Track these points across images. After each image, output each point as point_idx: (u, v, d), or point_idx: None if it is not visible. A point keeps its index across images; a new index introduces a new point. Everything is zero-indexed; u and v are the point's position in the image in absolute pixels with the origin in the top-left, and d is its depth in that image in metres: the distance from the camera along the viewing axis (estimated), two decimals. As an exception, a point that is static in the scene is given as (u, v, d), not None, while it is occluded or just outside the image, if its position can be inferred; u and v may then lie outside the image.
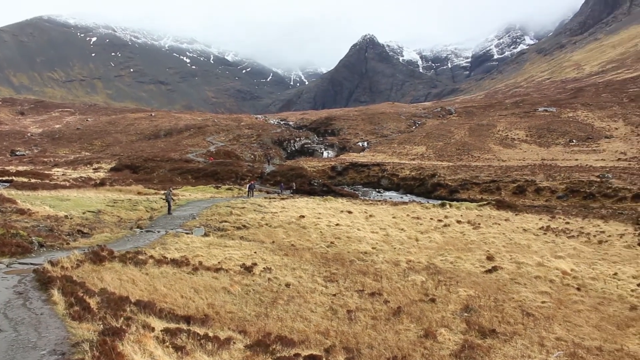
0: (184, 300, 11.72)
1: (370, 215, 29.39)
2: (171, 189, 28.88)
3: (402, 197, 49.24)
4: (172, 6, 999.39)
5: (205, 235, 21.59)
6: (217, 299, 12.25)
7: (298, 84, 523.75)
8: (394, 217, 29.35)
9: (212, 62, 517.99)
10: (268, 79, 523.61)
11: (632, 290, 15.91)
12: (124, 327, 7.24)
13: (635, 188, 42.05)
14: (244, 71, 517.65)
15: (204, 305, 11.64)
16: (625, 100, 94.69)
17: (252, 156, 77.92)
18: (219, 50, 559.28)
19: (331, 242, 22.04)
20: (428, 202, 38.89)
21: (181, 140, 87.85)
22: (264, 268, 15.68)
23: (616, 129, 75.57)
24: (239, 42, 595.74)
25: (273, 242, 21.43)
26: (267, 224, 24.84)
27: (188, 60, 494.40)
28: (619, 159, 59.81)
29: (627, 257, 20.92)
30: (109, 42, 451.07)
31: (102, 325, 7.49)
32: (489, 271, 17.92)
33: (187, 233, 21.17)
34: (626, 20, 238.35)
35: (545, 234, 26.10)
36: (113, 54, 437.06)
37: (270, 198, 36.83)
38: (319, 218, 27.24)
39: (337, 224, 25.83)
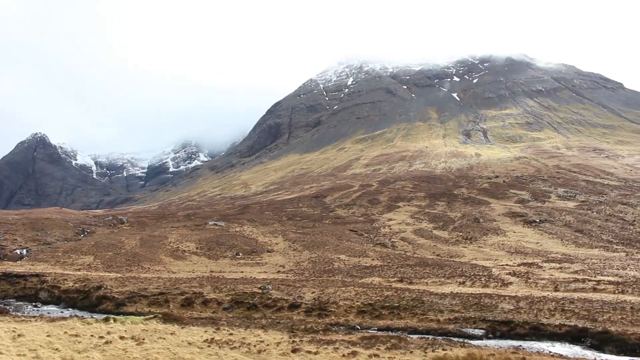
0: None
1: (20, 335, 25.88)
2: None
3: (62, 312, 44.97)
4: None
5: None
6: None
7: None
8: (48, 335, 26.35)
9: None
10: None
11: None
12: None
13: (291, 298, 45.86)
14: None
15: None
16: (284, 218, 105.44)
17: None
18: None
19: (-37, 370, 18.58)
20: (92, 317, 36.19)
21: None
22: None
23: (276, 243, 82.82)
24: None
25: None
26: None
27: None
28: (279, 271, 65.14)
29: (282, 365, 22.22)
30: None
31: None
32: (150, 391, 17.08)
33: None
34: (285, 148, 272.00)
35: (209, 346, 26.29)
36: None
37: None
38: (-49, 340, 22.92)
39: (-25, 347, 22.02)
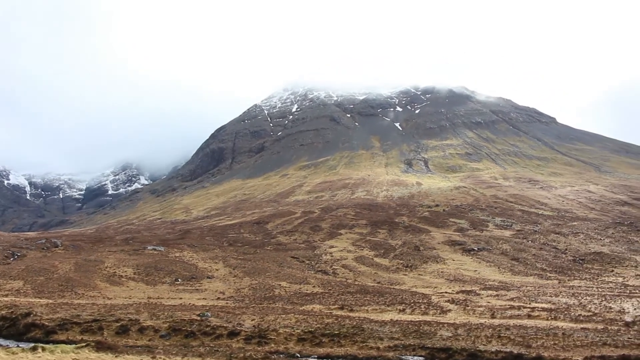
0: None
1: (-62, 364, 24.38)
2: None
3: (-14, 341, 42.66)
4: None
5: None
6: None
7: None
8: (-31, 366, 24.93)
9: None
10: None
11: None
12: None
13: (230, 326, 44.99)
14: None
15: None
16: (225, 244, 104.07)
17: None
18: None
19: None
20: (18, 346, 34.47)
21: None
22: None
23: (217, 270, 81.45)
24: None
25: None
26: None
27: None
28: (219, 298, 63.96)
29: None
30: None
31: None
32: None
33: None
34: (228, 174, 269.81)
35: (143, 376, 25.45)
36: None
37: None
38: None
39: None
